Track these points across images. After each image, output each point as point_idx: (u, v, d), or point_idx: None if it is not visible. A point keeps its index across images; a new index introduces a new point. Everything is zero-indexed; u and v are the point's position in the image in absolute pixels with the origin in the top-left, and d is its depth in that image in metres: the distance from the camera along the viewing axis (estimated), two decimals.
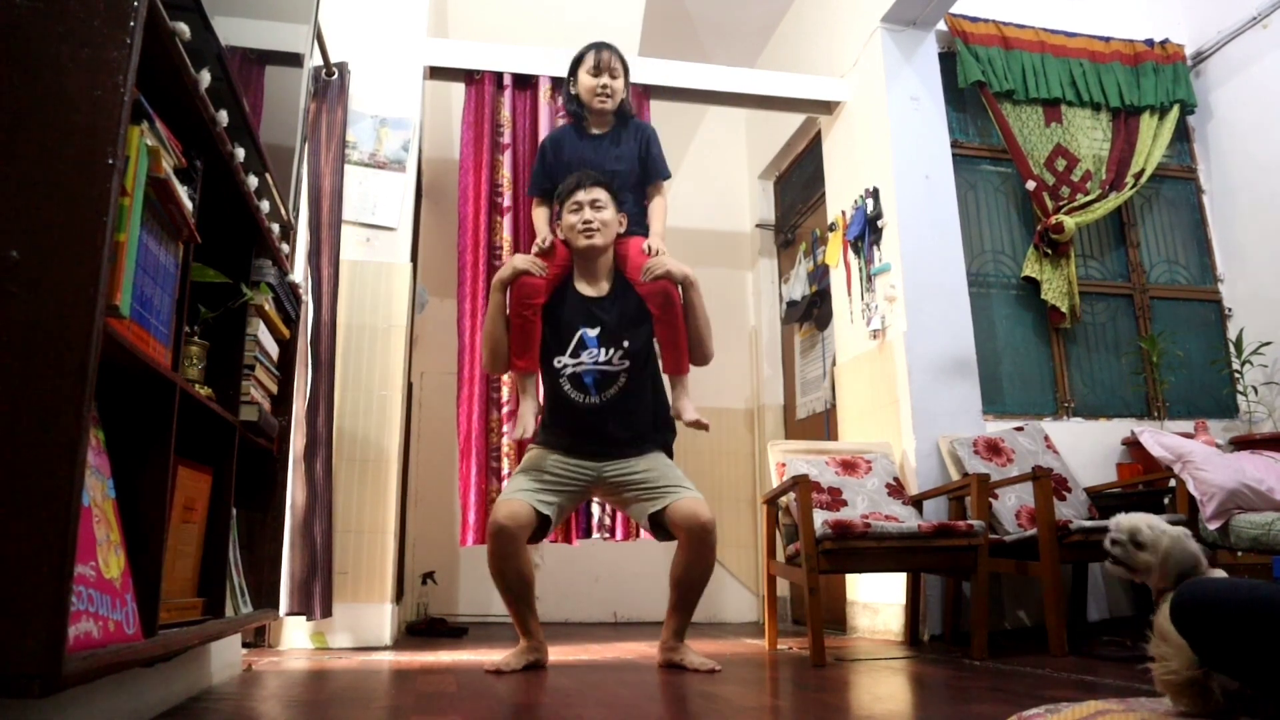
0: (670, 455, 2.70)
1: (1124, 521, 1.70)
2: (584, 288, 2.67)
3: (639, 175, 2.88)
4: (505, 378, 3.47)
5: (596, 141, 2.88)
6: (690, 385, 2.73)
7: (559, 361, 2.60)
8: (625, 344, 2.58)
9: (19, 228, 1.05)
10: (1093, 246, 4.24)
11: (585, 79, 2.85)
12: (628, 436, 2.60)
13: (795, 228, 5.05)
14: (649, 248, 2.67)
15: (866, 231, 3.86)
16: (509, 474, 3.41)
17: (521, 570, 2.47)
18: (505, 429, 3.47)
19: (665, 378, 2.76)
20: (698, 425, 2.64)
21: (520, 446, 3.42)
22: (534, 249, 2.75)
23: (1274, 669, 1.29)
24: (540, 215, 2.93)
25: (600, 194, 2.64)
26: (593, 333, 2.59)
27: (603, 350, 2.58)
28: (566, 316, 2.62)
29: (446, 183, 4.52)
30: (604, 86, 2.83)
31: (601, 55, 2.85)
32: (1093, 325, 4.11)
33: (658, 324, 2.65)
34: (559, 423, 2.63)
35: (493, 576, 2.49)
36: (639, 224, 2.81)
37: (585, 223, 2.61)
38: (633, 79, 3.88)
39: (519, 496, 2.48)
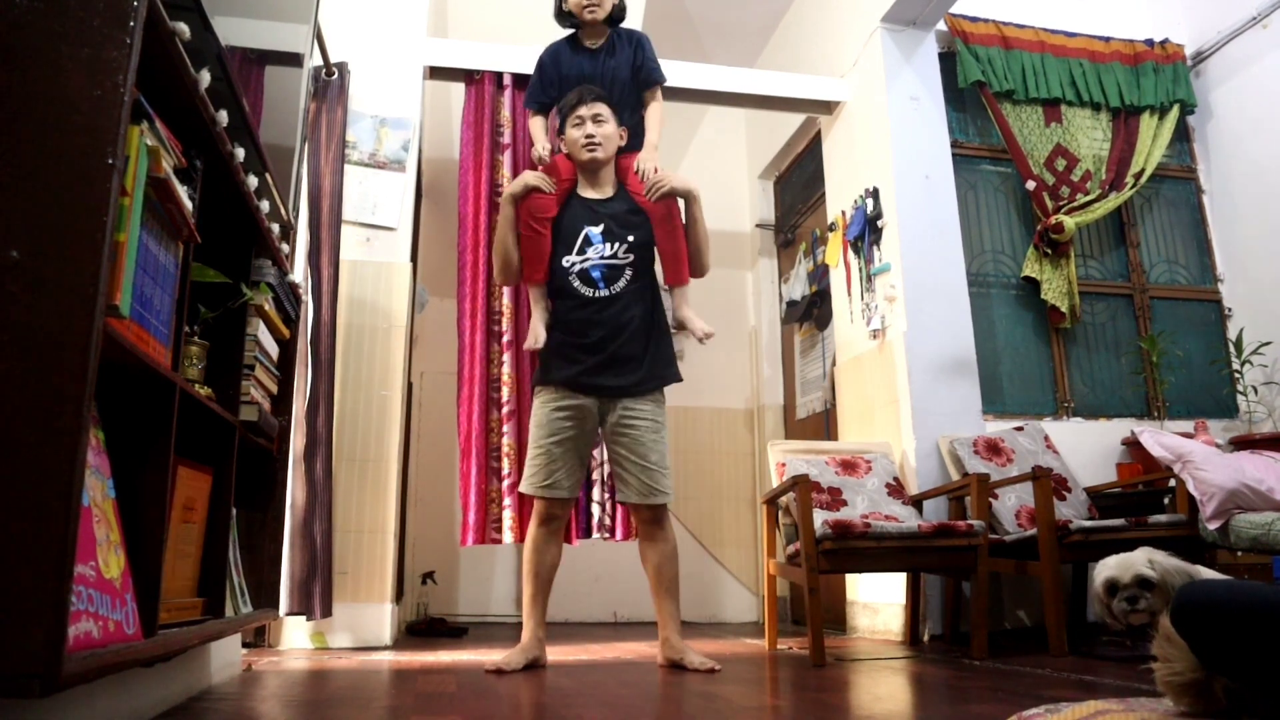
0: (677, 373, 2.74)
1: (1123, 576, 1.62)
2: (587, 192, 2.76)
3: (635, 84, 2.94)
4: (505, 378, 3.48)
5: (593, 55, 2.93)
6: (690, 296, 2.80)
7: (567, 260, 2.68)
8: (630, 238, 2.68)
9: (19, 228, 1.05)
10: (1093, 246, 4.24)
11: None
12: (633, 353, 2.62)
13: (795, 228, 5.05)
14: (640, 170, 2.73)
15: (866, 231, 3.86)
16: (509, 474, 3.41)
17: (557, 558, 2.65)
18: (505, 429, 3.47)
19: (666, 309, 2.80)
20: (704, 334, 2.70)
21: (520, 446, 3.42)
22: (533, 156, 2.89)
23: (1275, 672, 1.29)
24: (538, 124, 3.02)
25: (602, 108, 2.72)
26: (597, 230, 2.69)
27: (607, 245, 2.67)
28: (571, 220, 2.71)
29: (446, 183, 4.52)
30: (593, 1, 2.86)
31: None
32: (1093, 325, 4.11)
33: (659, 236, 2.72)
34: (565, 329, 2.66)
35: (528, 565, 2.62)
36: (639, 135, 2.87)
37: (588, 137, 2.69)
38: None
39: (545, 495, 2.60)
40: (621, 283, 2.65)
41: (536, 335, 2.69)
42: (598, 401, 2.63)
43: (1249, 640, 1.30)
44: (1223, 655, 1.36)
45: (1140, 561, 1.60)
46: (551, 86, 2.97)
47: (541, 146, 2.87)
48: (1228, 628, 1.33)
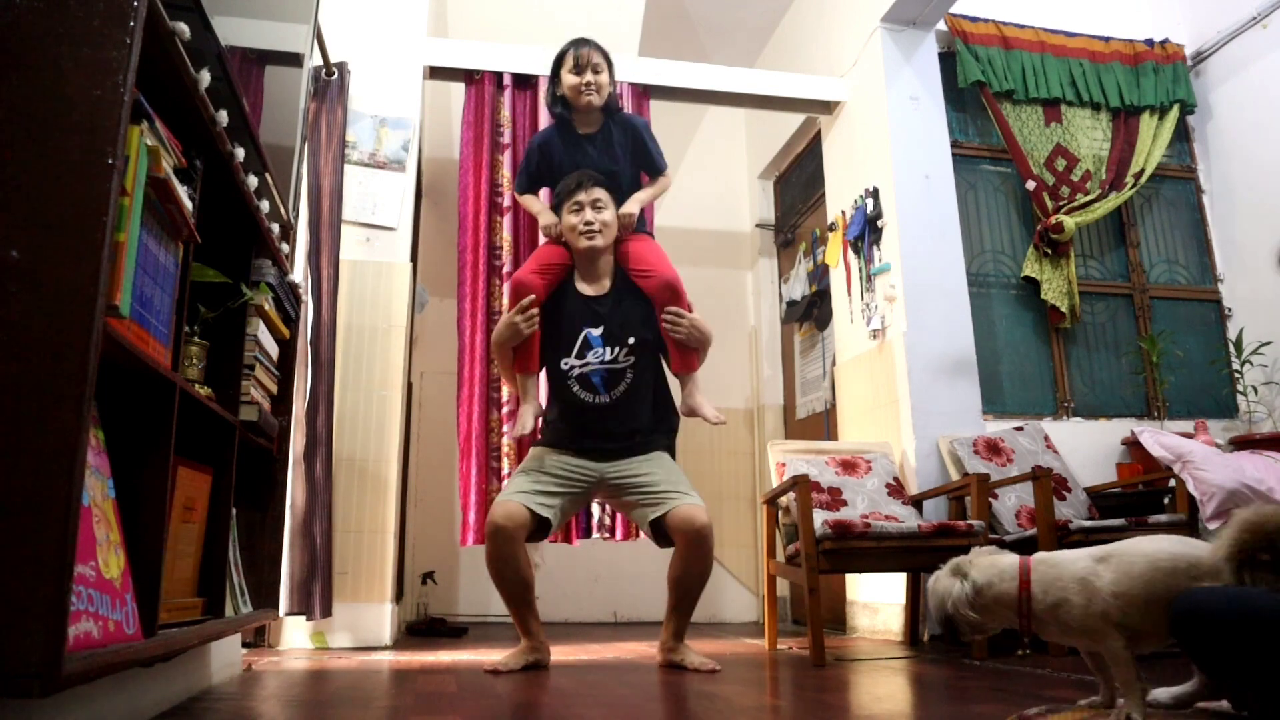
0: (673, 454, 2.70)
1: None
2: (584, 288, 2.66)
3: (633, 173, 2.86)
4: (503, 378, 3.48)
5: (587, 142, 2.83)
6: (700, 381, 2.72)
7: (565, 363, 2.59)
8: (630, 340, 2.58)
9: (19, 228, 1.05)
10: (1093, 246, 4.24)
11: (568, 78, 2.77)
12: (633, 432, 2.59)
13: (795, 228, 5.05)
14: (626, 216, 2.68)
15: (866, 231, 3.86)
16: (509, 474, 3.41)
17: (520, 571, 2.46)
18: (505, 429, 3.48)
19: (670, 376, 2.76)
20: (717, 420, 2.61)
21: (520, 445, 3.42)
22: (543, 230, 2.77)
23: (1274, 679, 1.29)
24: (530, 200, 2.92)
25: (601, 194, 2.63)
26: (596, 332, 2.59)
27: (608, 349, 2.57)
28: (569, 318, 2.62)
29: (446, 183, 4.52)
30: (588, 84, 2.75)
31: (581, 51, 2.78)
32: (1093, 325, 4.11)
33: (667, 324, 2.61)
34: (565, 421, 2.62)
35: (491, 577, 2.49)
36: (638, 223, 2.80)
37: (586, 224, 2.60)
38: (633, 79, 3.90)
39: (516, 498, 2.47)
40: (622, 387, 2.57)
41: (524, 425, 2.58)
42: (599, 464, 2.57)
43: (1248, 649, 1.30)
44: (1222, 663, 1.36)
45: (948, 599, 1.57)
46: (543, 177, 2.89)
47: (548, 220, 2.74)
48: (1225, 636, 1.33)
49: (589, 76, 2.76)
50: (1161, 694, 1.57)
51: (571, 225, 2.62)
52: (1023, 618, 1.53)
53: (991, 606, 1.55)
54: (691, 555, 2.44)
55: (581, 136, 2.84)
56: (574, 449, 2.58)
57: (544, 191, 3.01)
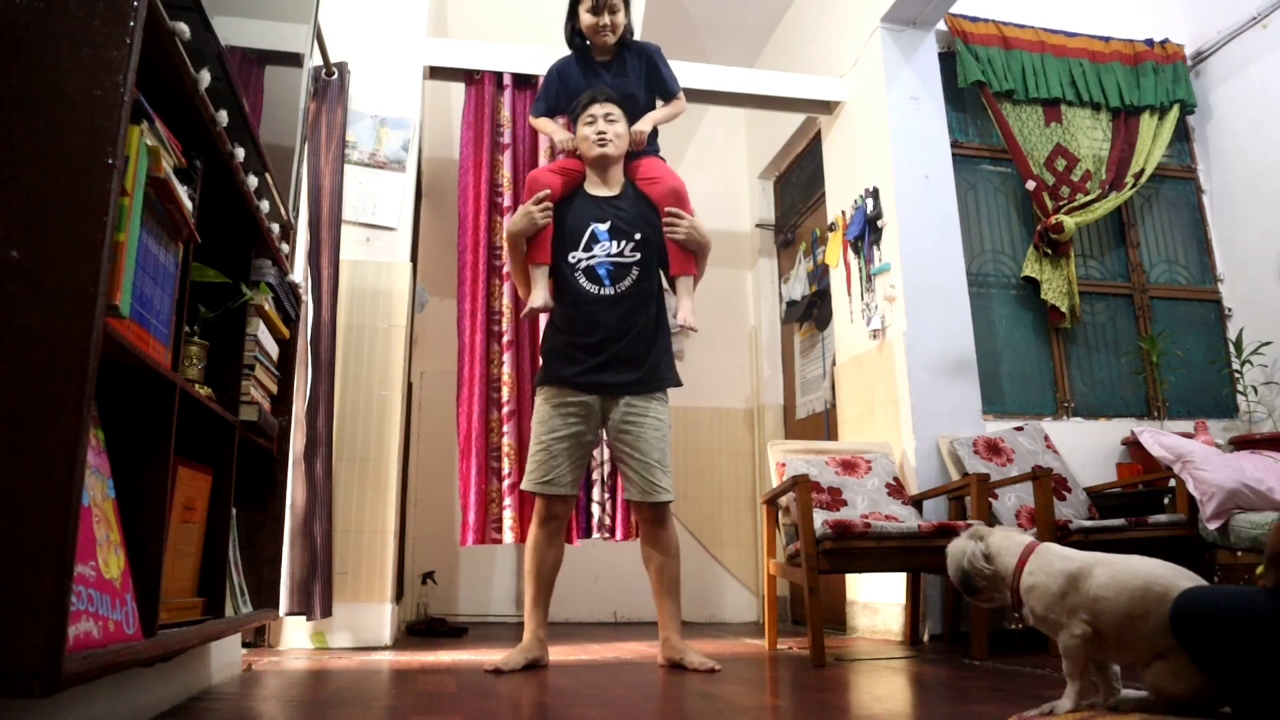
0: (676, 379, 2.73)
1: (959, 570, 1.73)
2: (595, 189, 2.75)
3: (648, 97, 2.95)
4: (505, 378, 3.48)
5: (603, 68, 2.93)
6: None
7: (573, 257, 2.66)
8: (636, 236, 2.66)
9: (19, 228, 1.05)
10: (1093, 246, 4.24)
11: (586, 17, 2.87)
12: (636, 352, 2.61)
13: (795, 227, 5.05)
14: (638, 133, 2.76)
15: (866, 231, 3.86)
16: (509, 474, 3.41)
17: (559, 558, 2.64)
18: (505, 429, 3.48)
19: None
20: (686, 326, 2.66)
21: (520, 446, 3.42)
22: (558, 144, 2.88)
23: (1273, 679, 1.29)
24: (546, 122, 3.01)
25: (613, 108, 2.74)
26: (603, 227, 2.67)
27: (614, 243, 2.66)
28: (578, 216, 2.70)
29: (446, 183, 4.52)
30: (604, 25, 2.85)
31: None
32: (1093, 325, 4.11)
33: (667, 225, 2.70)
34: (569, 323, 2.64)
35: (530, 564, 2.61)
36: (650, 145, 2.87)
37: (599, 133, 2.70)
38: None
39: (546, 491, 2.58)
40: (627, 281, 2.64)
41: (534, 302, 2.63)
42: (600, 399, 2.61)
43: (1248, 648, 1.30)
44: (1223, 662, 1.36)
45: (964, 555, 1.70)
46: (560, 99, 2.96)
47: (563, 136, 2.86)
48: (1228, 635, 1.33)
49: (606, 18, 2.86)
50: (1132, 694, 1.58)
51: (584, 135, 2.72)
52: (1014, 593, 1.64)
53: (993, 578, 1.66)
54: (650, 539, 2.63)
55: (598, 64, 2.95)
56: (576, 382, 2.60)
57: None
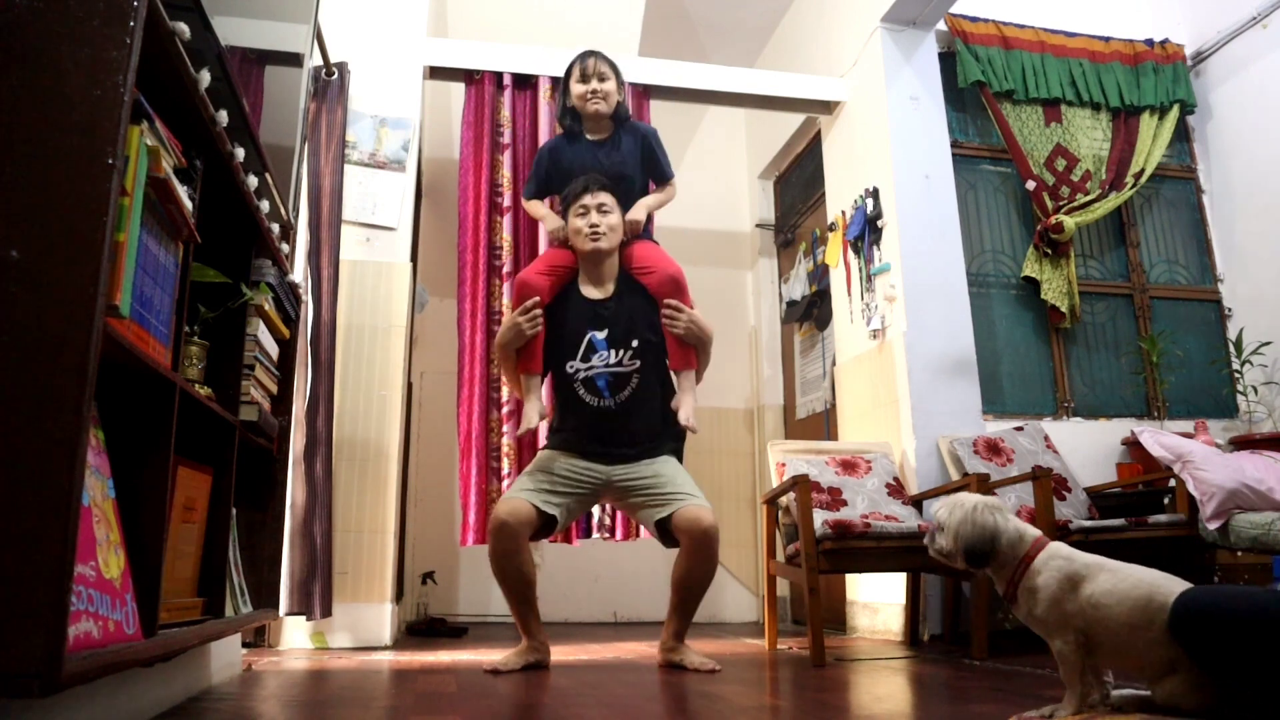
0: (680, 458, 2.69)
1: (937, 510, 1.68)
2: (588, 291, 2.66)
3: (642, 180, 2.88)
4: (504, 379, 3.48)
5: (596, 147, 2.85)
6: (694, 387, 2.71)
7: (571, 366, 2.59)
8: (634, 343, 2.58)
9: (19, 228, 1.05)
10: (1093, 246, 4.24)
11: (575, 87, 2.83)
12: (640, 437, 2.59)
13: (795, 227, 5.05)
14: (633, 223, 2.70)
15: (866, 231, 3.86)
16: (509, 474, 3.41)
17: (522, 569, 2.46)
18: (505, 429, 3.48)
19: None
20: (686, 426, 2.59)
21: (521, 446, 3.43)
22: (551, 234, 2.80)
23: (1275, 678, 1.29)
24: (536, 205, 2.95)
25: (606, 198, 2.64)
26: (601, 335, 2.59)
27: (612, 352, 2.58)
28: (573, 321, 2.62)
29: (446, 183, 4.52)
30: (594, 91, 2.79)
31: (587, 62, 2.83)
32: (1093, 325, 4.11)
33: (665, 318, 2.62)
34: (572, 426, 2.62)
35: (494, 574, 2.48)
36: (643, 228, 2.82)
37: (592, 226, 2.60)
38: (633, 79, 3.90)
39: (521, 495, 2.48)
40: (627, 391, 2.57)
41: (529, 420, 2.57)
42: (607, 468, 2.56)
43: (1249, 647, 1.30)
44: (1223, 661, 1.35)
45: (945, 502, 1.68)
46: (552, 178, 2.89)
47: (555, 224, 2.78)
48: (1227, 635, 1.32)
49: (595, 84, 2.80)
50: (1132, 694, 1.58)
51: (577, 228, 2.63)
52: (1010, 585, 1.60)
53: (998, 563, 1.61)
54: (696, 556, 2.44)
55: (591, 142, 2.86)
56: (581, 453, 2.58)
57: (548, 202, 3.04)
